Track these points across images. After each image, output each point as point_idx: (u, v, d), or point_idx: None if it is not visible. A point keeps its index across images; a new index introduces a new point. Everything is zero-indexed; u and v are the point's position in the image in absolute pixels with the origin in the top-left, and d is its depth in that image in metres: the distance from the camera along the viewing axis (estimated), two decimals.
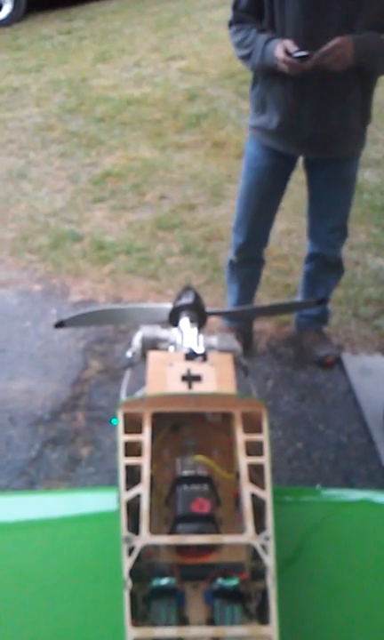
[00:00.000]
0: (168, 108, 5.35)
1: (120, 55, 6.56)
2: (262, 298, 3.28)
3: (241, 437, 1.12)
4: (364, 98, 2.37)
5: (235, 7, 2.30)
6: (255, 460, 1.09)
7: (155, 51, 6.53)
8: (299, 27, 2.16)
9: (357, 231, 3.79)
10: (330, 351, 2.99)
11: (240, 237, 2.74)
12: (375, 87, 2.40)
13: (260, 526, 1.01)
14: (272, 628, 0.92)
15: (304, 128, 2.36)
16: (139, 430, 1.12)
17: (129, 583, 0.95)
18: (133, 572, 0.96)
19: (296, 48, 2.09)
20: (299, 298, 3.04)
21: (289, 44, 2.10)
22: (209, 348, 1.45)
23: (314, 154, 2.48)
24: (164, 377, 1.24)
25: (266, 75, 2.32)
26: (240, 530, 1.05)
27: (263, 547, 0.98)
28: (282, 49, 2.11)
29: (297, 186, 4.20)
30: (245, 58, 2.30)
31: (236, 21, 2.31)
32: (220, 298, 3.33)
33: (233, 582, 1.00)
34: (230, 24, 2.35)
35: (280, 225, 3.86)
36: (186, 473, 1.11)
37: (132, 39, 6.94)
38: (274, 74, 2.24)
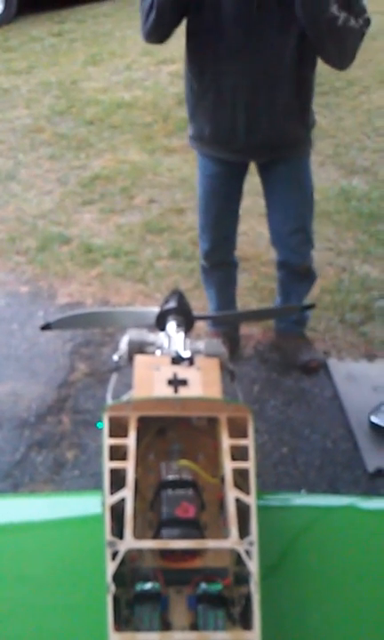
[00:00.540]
0: (158, 112, 5.35)
1: (111, 58, 6.56)
2: (250, 303, 3.29)
3: (226, 442, 1.12)
4: (301, 104, 2.35)
5: None
6: (240, 464, 1.09)
7: (145, 54, 6.54)
8: None
9: (345, 238, 3.81)
10: (313, 356, 2.99)
11: (205, 243, 2.74)
12: (312, 91, 2.37)
13: (244, 531, 1.01)
14: (255, 634, 0.92)
15: (237, 137, 2.33)
16: (124, 434, 1.12)
17: (112, 587, 0.94)
18: (117, 577, 0.96)
19: None
20: (276, 304, 3.04)
21: None
22: (195, 352, 1.45)
23: (255, 159, 2.48)
24: (151, 381, 1.24)
25: (201, 75, 2.27)
26: (224, 535, 1.05)
27: (247, 552, 0.98)
28: None
29: None
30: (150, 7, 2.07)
31: None
32: (208, 302, 3.33)
33: (216, 587, 1.00)
34: None
35: (267, 230, 3.88)
36: (170, 477, 1.11)
37: (122, 42, 6.94)
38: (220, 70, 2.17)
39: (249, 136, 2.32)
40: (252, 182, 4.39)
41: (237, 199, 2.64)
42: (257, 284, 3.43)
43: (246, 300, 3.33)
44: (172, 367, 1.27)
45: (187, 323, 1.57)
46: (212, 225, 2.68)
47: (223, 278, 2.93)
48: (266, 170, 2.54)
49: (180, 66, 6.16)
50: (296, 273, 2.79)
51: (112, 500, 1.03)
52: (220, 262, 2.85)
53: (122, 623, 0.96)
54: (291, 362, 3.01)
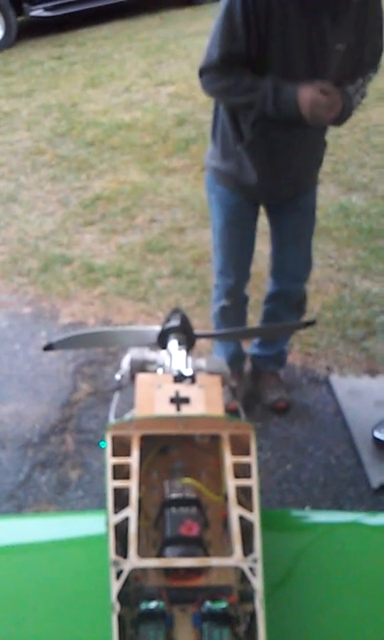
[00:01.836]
0: (158, 133, 5.40)
1: (110, 80, 6.64)
2: (252, 320, 3.30)
3: (229, 460, 1.12)
4: (324, 149, 2.41)
5: (221, 53, 2.03)
6: (243, 482, 1.09)
7: (144, 76, 6.62)
8: (302, 70, 2.02)
9: (345, 254, 3.83)
10: (282, 395, 2.88)
11: (230, 278, 2.60)
12: None
13: (248, 549, 1.01)
14: None
15: (277, 186, 2.34)
16: (127, 453, 1.12)
17: (117, 607, 0.94)
18: (121, 596, 0.96)
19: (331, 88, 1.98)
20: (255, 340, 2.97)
21: (326, 86, 1.98)
22: (197, 370, 1.45)
23: (277, 200, 2.46)
24: (153, 399, 1.24)
25: (253, 125, 2.17)
26: (228, 552, 1.05)
27: (251, 569, 0.98)
28: (315, 92, 1.97)
29: None
30: (242, 106, 2.11)
31: (218, 67, 2.06)
32: (209, 320, 3.33)
33: (221, 605, 1.00)
34: (206, 70, 2.11)
35: (267, 248, 3.89)
36: (174, 496, 1.11)
37: (122, 64, 7.03)
38: (272, 122, 2.11)
39: (285, 186, 2.35)
40: None
41: (255, 228, 2.56)
42: (258, 301, 3.43)
43: (248, 317, 3.34)
44: (174, 385, 1.27)
45: (188, 341, 1.58)
46: (236, 256, 2.56)
47: (240, 317, 2.77)
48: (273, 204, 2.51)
49: (178, 87, 6.25)
50: (289, 303, 2.71)
51: (116, 519, 1.03)
52: (243, 299, 2.73)
53: None
54: (258, 399, 2.91)
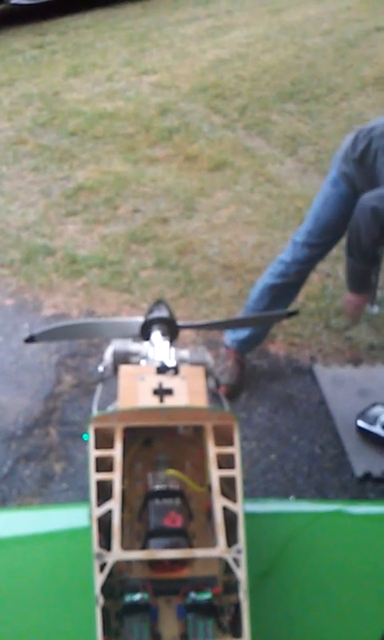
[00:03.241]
0: (140, 122, 5.37)
1: (92, 69, 6.57)
2: (236, 311, 3.30)
3: (212, 450, 1.12)
4: None
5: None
6: (227, 472, 1.09)
7: (127, 65, 6.56)
8: None
9: None
10: (228, 380, 2.91)
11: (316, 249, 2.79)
12: None
13: (232, 539, 1.01)
14: None
15: None
16: (110, 445, 1.11)
17: (101, 599, 0.94)
18: (105, 588, 0.95)
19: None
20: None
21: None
22: (180, 361, 1.45)
23: None
24: (136, 391, 1.24)
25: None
26: (212, 543, 1.05)
27: (235, 560, 0.98)
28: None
29: (269, 199, 4.25)
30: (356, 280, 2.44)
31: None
32: (193, 310, 3.34)
33: (206, 596, 1.00)
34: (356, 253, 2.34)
35: (252, 238, 3.90)
36: (157, 487, 1.11)
37: (104, 53, 6.96)
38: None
39: None
40: (236, 191, 4.40)
41: None
42: (242, 291, 3.43)
43: (232, 307, 3.34)
44: (158, 377, 1.27)
45: (171, 332, 1.57)
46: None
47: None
48: None
49: (161, 76, 6.21)
50: None
51: (99, 511, 1.03)
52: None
53: (111, 635, 0.96)
54: (242, 388, 2.97)
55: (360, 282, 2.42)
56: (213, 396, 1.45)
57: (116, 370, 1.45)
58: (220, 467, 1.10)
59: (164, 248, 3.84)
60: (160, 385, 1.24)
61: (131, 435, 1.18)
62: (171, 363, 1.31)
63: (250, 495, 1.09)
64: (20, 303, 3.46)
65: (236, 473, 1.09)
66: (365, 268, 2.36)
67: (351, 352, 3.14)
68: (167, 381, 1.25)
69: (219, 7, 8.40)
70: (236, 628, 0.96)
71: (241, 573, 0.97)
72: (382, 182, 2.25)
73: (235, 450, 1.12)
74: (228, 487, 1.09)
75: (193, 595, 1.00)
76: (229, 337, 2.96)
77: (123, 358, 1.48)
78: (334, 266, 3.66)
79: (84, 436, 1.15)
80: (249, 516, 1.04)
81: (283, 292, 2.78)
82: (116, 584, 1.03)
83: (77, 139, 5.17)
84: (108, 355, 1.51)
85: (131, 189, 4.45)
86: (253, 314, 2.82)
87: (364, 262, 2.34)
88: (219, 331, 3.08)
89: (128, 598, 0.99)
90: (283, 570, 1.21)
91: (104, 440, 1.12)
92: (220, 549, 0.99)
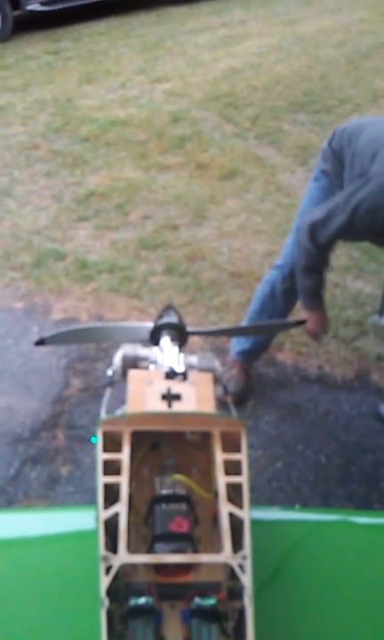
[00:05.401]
0: (152, 130, 5.40)
1: (106, 76, 6.62)
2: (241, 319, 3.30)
3: (219, 456, 1.12)
4: None
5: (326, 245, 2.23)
6: (233, 479, 1.09)
7: (140, 72, 6.60)
8: None
9: (337, 254, 3.83)
10: (233, 389, 2.89)
11: None
12: None
13: (237, 546, 1.01)
14: None
15: None
16: (118, 449, 1.12)
17: (106, 602, 0.94)
18: (111, 591, 0.96)
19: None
20: None
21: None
22: (189, 366, 1.46)
23: None
24: (144, 395, 1.24)
25: None
26: (218, 549, 1.05)
27: (240, 566, 0.98)
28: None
29: (279, 208, 4.26)
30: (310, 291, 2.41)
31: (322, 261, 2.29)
32: (202, 317, 3.35)
33: (210, 602, 1.00)
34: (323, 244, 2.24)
35: (261, 247, 3.90)
36: (164, 492, 1.11)
37: (117, 61, 7.01)
38: None
39: None
40: (247, 199, 4.41)
41: None
42: (250, 299, 3.43)
43: (240, 315, 3.34)
44: (166, 382, 1.27)
45: (180, 337, 1.58)
46: None
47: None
48: None
49: (174, 84, 6.24)
50: None
51: (106, 514, 1.03)
52: None
53: (116, 638, 0.96)
54: (249, 396, 2.96)
55: (313, 298, 2.42)
56: (221, 402, 1.45)
57: (124, 374, 1.46)
58: (227, 473, 1.10)
59: (174, 255, 3.85)
60: (168, 390, 1.24)
61: (138, 439, 1.19)
62: (179, 368, 1.32)
63: (256, 502, 1.09)
64: (29, 307, 3.48)
65: (243, 480, 1.09)
66: (312, 284, 2.37)
67: (359, 362, 3.14)
68: (176, 387, 1.26)
69: (232, 17, 8.45)
70: (239, 635, 0.96)
71: (246, 580, 0.97)
72: (348, 165, 2.30)
73: (242, 456, 1.12)
74: (234, 493, 1.09)
75: (197, 600, 1.00)
76: (234, 349, 2.95)
77: (132, 363, 1.49)
78: (343, 276, 3.66)
79: (92, 438, 1.16)
80: (254, 523, 1.05)
81: (282, 298, 2.77)
82: (121, 587, 1.03)
83: (90, 145, 5.21)
84: (117, 359, 1.52)
85: (142, 196, 4.47)
86: (260, 322, 2.82)
87: (311, 279, 2.35)
88: (226, 338, 3.08)
89: (133, 602, 0.99)
90: (287, 577, 1.21)
91: (112, 443, 1.13)
92: (226, 555, 1.00)
